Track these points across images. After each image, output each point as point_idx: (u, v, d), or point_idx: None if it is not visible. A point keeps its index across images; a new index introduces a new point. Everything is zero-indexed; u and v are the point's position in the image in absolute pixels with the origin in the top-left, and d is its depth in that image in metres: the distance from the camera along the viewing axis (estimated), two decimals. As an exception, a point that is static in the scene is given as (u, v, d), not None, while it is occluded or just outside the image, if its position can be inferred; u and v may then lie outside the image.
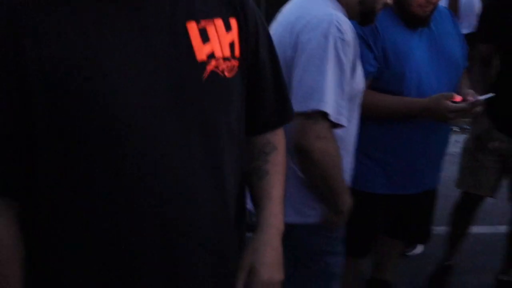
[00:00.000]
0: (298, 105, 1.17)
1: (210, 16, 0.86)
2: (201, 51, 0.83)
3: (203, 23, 0.84)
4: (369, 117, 1.55)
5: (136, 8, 0.79)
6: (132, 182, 0.79)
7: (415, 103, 1.59)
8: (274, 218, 1.01)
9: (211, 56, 0.84)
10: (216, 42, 0.85)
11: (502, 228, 2.60)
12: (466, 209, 2.34)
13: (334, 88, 1.20)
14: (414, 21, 1.53)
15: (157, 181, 0.80)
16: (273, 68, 1.00)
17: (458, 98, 1.52)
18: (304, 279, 1.43)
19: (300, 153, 1.21)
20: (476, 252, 2.70)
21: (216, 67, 0.84)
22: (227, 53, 0.86)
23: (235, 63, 0.88)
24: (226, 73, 0.86)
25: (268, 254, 0.97)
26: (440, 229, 2.39)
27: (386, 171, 1.72)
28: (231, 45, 0.88)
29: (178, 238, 0.84)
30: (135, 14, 0.79)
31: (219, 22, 0.86)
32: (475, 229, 2.54)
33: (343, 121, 1.23)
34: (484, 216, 2.52)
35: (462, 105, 1.51)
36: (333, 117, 1.21)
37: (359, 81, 1.36)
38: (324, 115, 1.20)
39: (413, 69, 1.59)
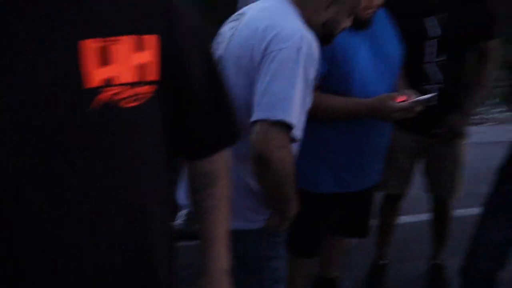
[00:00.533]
0: (262, 113, 1.19)
1: (118, 32, 0.72)
2: (93, 76, 0.69)
3: (105, 41, 0.70)
4: (316, 118, 1.57)
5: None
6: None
7: (362, 104, 1.64)
8: (218, 261, 0.96)
9: (108, 82, 0.70)
10: (120, 64, 0.71)
11: (425, 216, 2.79)
12: (390, 205, 2.47)
13: (299, 101, 1.21)
14: (357, 23, 1.58)
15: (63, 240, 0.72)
16: (211, 89, 0.89)
17: (400, 98, 1.60)
18: (253, 285, 1.43)
19: (259, 161, 1.19)
20: (404, 241, 2.87)
21: (115, 94, 0.71)
22: (135, 77, 0.73)
23: (147, 89, 0.75)
24: (128, 103, 0.72)
25: None
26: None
27: (333, 170, 1.76)
28: (143, 68, 0.74)
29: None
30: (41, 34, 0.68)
31: (129, 40, 0.72)
32: (402, 219, 2.69)
33: (299, 135, 1.24)
34: (407, 206, 2.67)
35: (406, 104, 1.59)
36: (294, 129, 1.21)
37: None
38: (286, 125, 1.19)
39: (358, 70, 1.64)
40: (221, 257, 0.96)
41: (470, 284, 1.93)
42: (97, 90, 0.69)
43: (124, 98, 0.72)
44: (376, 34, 1.70)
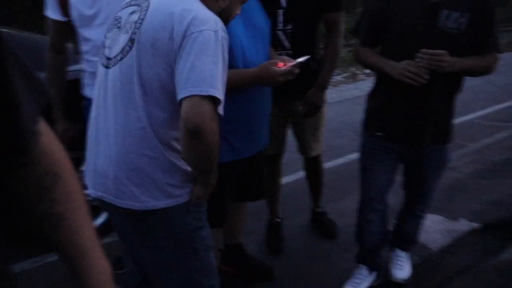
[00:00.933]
0: (193, 88, 1.27)
1: None
2: None
3: None
4: None
5: None
6: None
7: (248, 73, 1.78)
8: (101, 273, 0.80)
9: None
10: None
11: (302, 173, 3.10)
12: (272, 166, 2.70)
13: (221, 79, 1.32)
14: None
15: None
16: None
17: (281, 64, 1.79)
18: (187, 257, 1.51)
19: (193, 133, 1.26)
20: (289, 198, 3.15)
21: None
22: None
23: None
24: None
25: None
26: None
27: (227, 140, 1.89)
28: None
29: None
30: None
31: None
32: (283, 180, 2.95)
33: (221, 111, 1.35)
34: (284, 168, 2.94)
35: (287, 68, 1.78)
36: (219, 104, 1.31)
37: None
38: (214, 100, 1.29)
39: (236, 43, 1.78)
40: (102, 267, 0.81)
41: (370, 225, 2.26)
42: None
43: None
44: (244, 7, 1.85)
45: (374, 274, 2.38)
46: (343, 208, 3.10)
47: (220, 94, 1.29)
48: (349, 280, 2.34)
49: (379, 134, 2.09)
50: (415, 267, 2.47)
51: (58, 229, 0.75)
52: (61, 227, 0.75)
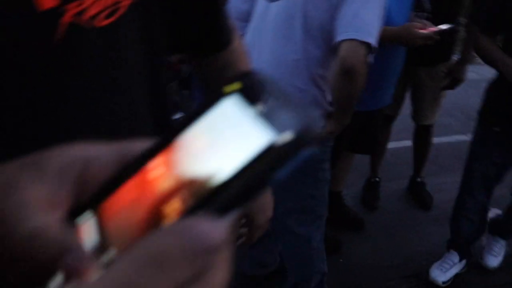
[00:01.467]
0: (354, 33, 1.38)
1: None
2: None
3: None
4: None
5: None
6: None
7: (390, 30, 1.85)
8: None
9: None
10: None
11: (407, 143, 3.13)
12: (384, 127, 2.77)
13: (378, 29, 1.43)
14: None
15: None
16: None
17: (422, 27, 1.84)
18: (307, 185, 1.65)
19: (347, 72, 1.38)
20: (391, 163, 3.22)
21: (78, 15, 0.49)
22: None
23: None
24: (99, 21, 0.51)
25: None
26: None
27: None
28: None
29: None
30: None
31: None
32: (389, 145, 3.01)
33: (371, 58, 1.46)
34: (393, 134, 2.99)
35: (429, 33, 1.83)
36: (373, 52, 1.43)
37: None
38: (369, 48, 1.40)
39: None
40: None
41: (469, 213, 2.24)
42: (56, 11, 0.47)
43: (95, 16, 0.51)
44: None
45: (464, 262, 2.33)
46: (440, 184, 3.11)
47: (375, 43, 1.39)
48: (438, 262, 2.31)
49: (495, 129, 2.04)
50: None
51: None
52: None
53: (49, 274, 0.26)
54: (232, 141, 0.25)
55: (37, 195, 0.26)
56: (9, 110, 0.48)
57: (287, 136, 0.23)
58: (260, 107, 0.25)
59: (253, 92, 0.26)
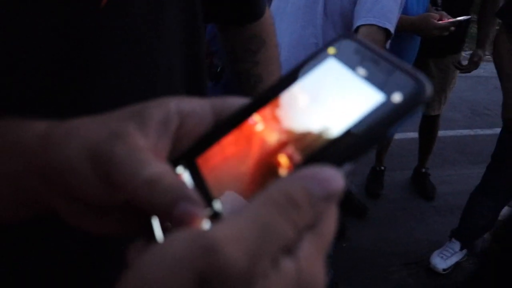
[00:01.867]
0: (373, 19, 1.41)
1: None
2: None
3: None
4: None
5: None
6: None
7: (407, 19, 1.87)
8: None
9: None
10: None
11: (412, 134, 3.17)
12: None
13: (397, 16, 1.45)
14: None
15: None
16: None
17: (439, 18, 1.86)
18: None
19: None
20: (396, 154, 3.26)
21: None
22: None
23: None
24: None
25: None
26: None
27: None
28: None
29: None
30: None
31: None
32: (396, 135, 3.05)
33: (388, 44, 1.50)
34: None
35: (445, 23, 1.85)
36: (390, 38, 1.47)
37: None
38: (387, 34, 1.44)
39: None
40: None
41: (483, 209, 2.20)
42: None
43: None
44: None
45: (465, 251, 2.35)
46: (444, 176, 3.15)
47: (393, 30, 1.43)
48: (439, 250, 2.34)
49: None
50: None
51: (254, 89, 0.82)
52: (257, 87, 0.83)
53: (141, 223, 0.27)
54: (339, 99, 0.26)
55: (143, 144, 0.27)
56: (53, 75, 0.47)
57: (399, 97, 0.24)
58: (361, 70, 0.26)
59: (351, 56, 0.27)
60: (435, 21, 1.83)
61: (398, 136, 3.47)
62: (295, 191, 0.23)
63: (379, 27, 1.40)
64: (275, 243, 0.22)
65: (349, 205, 2.64)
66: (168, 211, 0.24)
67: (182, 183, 0.25)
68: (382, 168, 2.92)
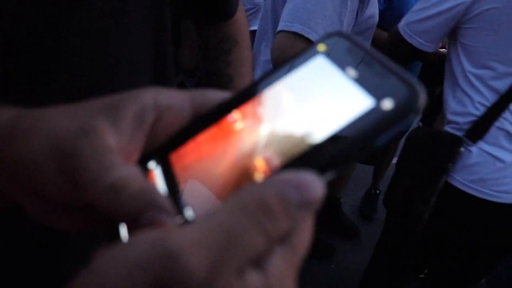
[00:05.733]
0: (283, 23, 1.18)
1: None
2: None
3: None
4: None
5: None
6: None
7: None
8: None
9: None
10: None
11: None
12: (393, 143, 2.79)
13: (329, 16, 1.17)
14: None
15: None
16: None
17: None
18: None
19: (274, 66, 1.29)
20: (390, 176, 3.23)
21: None
22: None
23: None
24: None
25: None
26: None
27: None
28: None
29: None
30: None
31: None
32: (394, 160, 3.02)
33: None
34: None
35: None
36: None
37: (373, 14, 1.38)
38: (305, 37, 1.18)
39: (408, 6, 1.87)
40: None
41: None
42: None
43: None
44: None
45: None
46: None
47: (311, 33, 1.16)
48: None
49: None
50: None
51: (226, 89, 0.81)
52: (229, 87, 0.83)
53: (108, 224, 0.25)
54: (325, 101, 0.24)
55: (114, 142, 0.25)
56: (11, 65, 0.46)
57: (390, 104, 0.22)
58: (351, 70, 0.24)
59: (341, 55, 0.25)
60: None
61: (396, 160, 3.45)
62: (269, 197, 0.20)
63: (287, 32, 1.17)
64: (241, 253, 0.20)
65: (340, 226, 2.61)
66: (134, 219, 0.22)
67: (151, 189, 0.23)
68: (378, 191, 2.90)
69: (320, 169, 0.22)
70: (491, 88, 1.18)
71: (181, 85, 2.67)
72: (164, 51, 0.65)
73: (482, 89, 1.19)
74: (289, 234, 0.21)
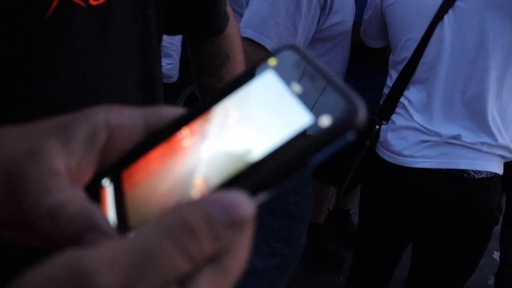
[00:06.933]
0: (240, 30, 1.12)
1: None
2: None
3: None
4: None
5: None
6: None
7: None
8: None
9: None
10: None
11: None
12: None
13: (281, 22, 1.16)
14: None
15: None
16: None
17: None
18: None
19: None
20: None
21: None
22: None
23: None
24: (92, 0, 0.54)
25: None
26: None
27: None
28: None
29: None
30: None
31: None
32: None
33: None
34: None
35: None
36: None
37: (341, 21, 1.34)
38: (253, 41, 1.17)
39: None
40: None
41: None
42: None
43: None
44: None
45: None
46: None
47: (262, 39, 1.15)
48: None
49: None
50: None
51: None
52: None
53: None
54: (266, 118, 0.24)
55: (63, 164, 0.25)
56: None
57: (327, 121, 0.22)
58: (296, 86, 0.24)
59: (289, 70, 0.25)
60: None
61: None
62: (192, 217, 0.20)
63: (242, 38, 1.11)
64: (158, 273, 0.19)
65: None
66: (75, 241, 0.22)
67: (91, 210, 0.23)
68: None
69: (253, 189, 0.22)
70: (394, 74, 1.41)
71: (192, 96, 2.70)
72: (152, 68, 0.66)
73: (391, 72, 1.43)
74: (220, 255, 0.21)
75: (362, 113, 0.22)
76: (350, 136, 0.21)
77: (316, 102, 0.23)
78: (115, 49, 0.58)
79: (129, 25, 0.61)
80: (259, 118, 0.24)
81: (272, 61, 0.26)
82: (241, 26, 1.16)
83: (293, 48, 0.26)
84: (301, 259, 1.86)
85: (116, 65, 0.59)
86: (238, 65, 0.86)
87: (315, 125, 0.22)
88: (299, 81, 0.24)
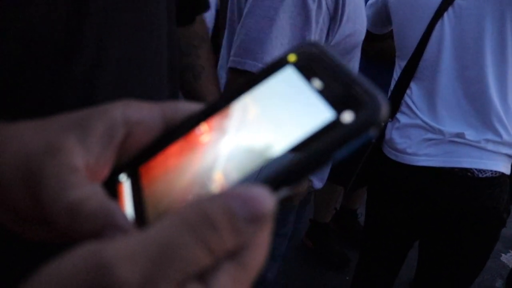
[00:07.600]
0: (234, 58, 1.00)
1: None
2: None
3: None
4: None
5: None
6: None
7: None
8: None
9: None
10: None
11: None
12: None
13: (287, 43, 0.98)
14: None
15: None
16: None
17: None
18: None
19: None
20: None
21: None
22: None
23: None
24: None
25: None
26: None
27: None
28: None
29: None
30: None
31: None
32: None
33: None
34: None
35: None
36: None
37: (353, 32, 1.14)
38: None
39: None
40: None
41: None
42: None
43: None
44: None
45: None
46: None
47: (255, 67, 0.97)
48: None
49: None
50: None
51: (200, 76, 0.94)
52: (202, 74, 0.94)
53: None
54: (287, 114, 0.24)
55: (82, 160, 0.25)
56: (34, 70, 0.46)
57: (349, 117, 0.22)
58: (317, 82, 0.24)
59: (309, 66, 0.25)
60: None
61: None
62: (213, 210, 0.20)
63: (240, 71, 0.98)
64: (179, 267, 0.19)
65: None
66: (93, 237, 0.22)
67: (110, 207, 0.23)
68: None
69: (275, 184, 0.22)
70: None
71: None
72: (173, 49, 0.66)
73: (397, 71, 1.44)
74: (240, 251, 0.21)
75: (384, 109, 0.22)
76: (373, 131, 0.21)
77: (337, 97, 0.23)
78: (158, 35, 0.58)
79: (164, 12, 0.60)
80: (279, 113, 0.24)
81: (292, 57, 0.26)
82: (236, 54, 0.99)
83: (313, 44, 0.26)
84: (307, 258, 1.87)
85: (158, 53, 0.59)
86: (209, 45, 0.96)
87: (337, 121, 0.22)
88: (319, 77, 0.24)
